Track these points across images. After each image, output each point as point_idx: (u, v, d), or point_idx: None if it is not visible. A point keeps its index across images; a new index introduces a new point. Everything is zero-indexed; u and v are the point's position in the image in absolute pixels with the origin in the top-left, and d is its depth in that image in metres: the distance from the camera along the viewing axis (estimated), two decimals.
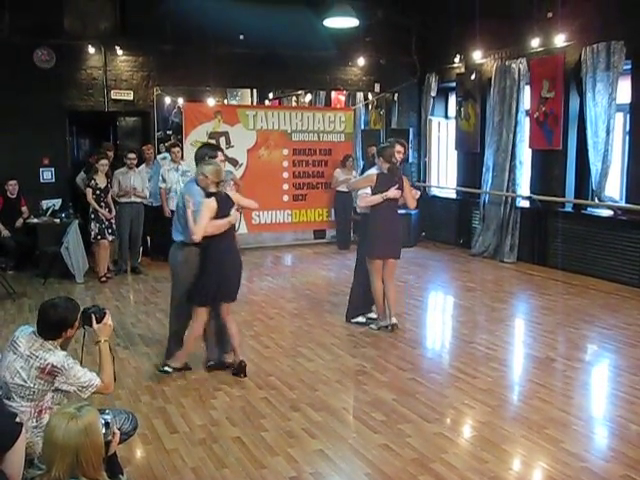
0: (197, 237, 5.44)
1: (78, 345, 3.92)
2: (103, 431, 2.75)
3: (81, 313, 3.72)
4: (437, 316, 8.50)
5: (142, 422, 4.47)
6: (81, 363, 3.68)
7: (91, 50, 10.84)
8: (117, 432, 3.05)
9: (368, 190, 6.91)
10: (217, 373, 5.87)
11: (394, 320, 7.03)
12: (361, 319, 7.31)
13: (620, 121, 9.30)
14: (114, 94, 11.13)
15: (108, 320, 3.74)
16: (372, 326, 7.17)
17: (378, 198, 6.83)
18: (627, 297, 8.52)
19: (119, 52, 11.05)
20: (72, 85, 10.88)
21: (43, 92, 10.44)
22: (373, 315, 7.29)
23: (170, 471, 4.16)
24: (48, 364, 3.43)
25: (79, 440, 2.45)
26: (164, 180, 10.15)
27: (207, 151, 5.93)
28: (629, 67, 8.83)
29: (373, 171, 7.07)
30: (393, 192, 6.85)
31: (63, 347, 3.66)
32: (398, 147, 7.10)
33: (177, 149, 10.38)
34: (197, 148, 6.31)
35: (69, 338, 3.71)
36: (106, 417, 2.88)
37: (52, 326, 3.55)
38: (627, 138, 9.28)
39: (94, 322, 3.69)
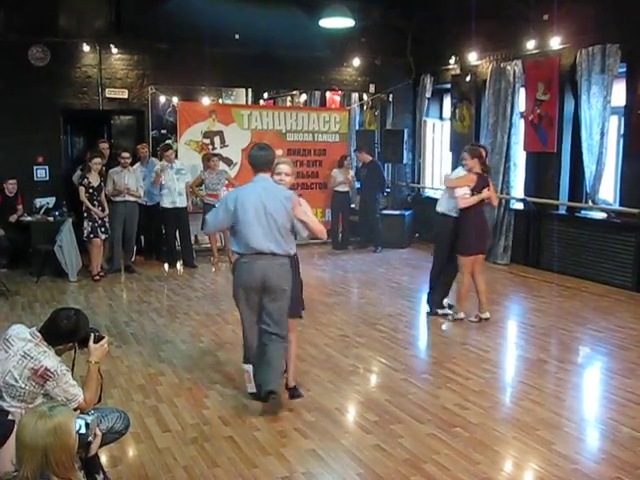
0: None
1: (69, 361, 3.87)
2: (83, 431, 2.71)
3: None
4: (430, 317, 8.50)
5: (134, 421, 4.47)
6: None
7: (86, 48, 10.81)
8: (99, 433, 3.02)
9: (467, 190, 7.20)
10: (209, 372, 5.87)
11: (487, 315, 7.50)
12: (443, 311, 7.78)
13: (614, 124, 9.31)
14: (109, 92, 11.10)
15: (105, 344, 3.72)
16: (449, 317, 7.62)
17: (476, 199, 7.22)
18: (620, 300, 8.54)
19: (114, 50, 11.01)
20: (66, 83, 10.84)
21: (37, 90, 10.39)
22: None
23: (162, 470, 4.15)
24: (42, 366, 3.41)
25: (47, 440, 2.41)
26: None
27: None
28: (624, 70, 8.85)
29: (463, 171, 7.40)
30: (486, 193, 7.30)
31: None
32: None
33: (170, 152, 10.44)
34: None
35: (64, 351, 3.69)
36: (87, 418, 2.85)
37: (60, 333, 3.55)
38: (621, 141, 9.30)
39: (91, 341, 3.66)
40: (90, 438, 2.86)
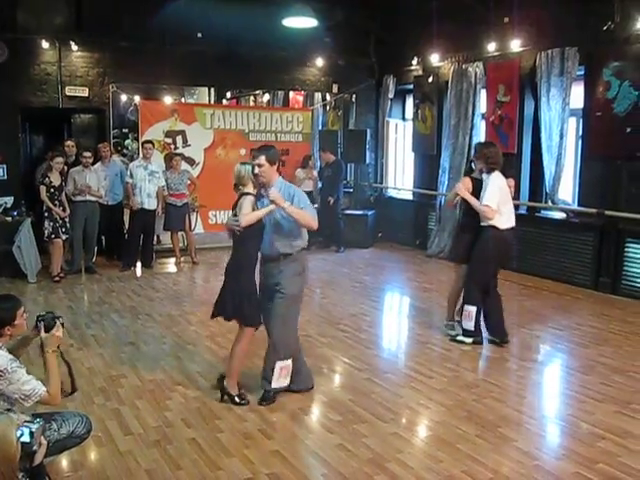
0: None
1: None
2: (27, 440, 2.64)
3: (36, 319, 3.69)
4: (393, 317, 8.56)
5: (96, 424, 4.38)
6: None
7: (45, 45, 10.62)
8: (44, 442, 2.95)
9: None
10: (171, 374, 5.81)
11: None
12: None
13: (573, 125, 9.48)
14: (69, 90, 10.92)
15: (57, 331, 3.66)
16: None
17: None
18: (579, 298, 8.70)
19: (74, 48, 10.84)
20: (25, 80, 10.64)
21: None
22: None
23: (124, 473, 4.10)
24: None
25: None
26: (131, 176, 10.09)
27: None
28: (582, 73, 9.01)
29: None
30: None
31: (16, 351, 3.59)
32: None
33: (150, 145, 10.31)
34: None
35: (11, 336, 3.61)
36: (32, 426, 2.78)
37: None
38: (580, 142, 9.46)
39: (42, 331, 3.62)
40: (35, 447, 2.78)
